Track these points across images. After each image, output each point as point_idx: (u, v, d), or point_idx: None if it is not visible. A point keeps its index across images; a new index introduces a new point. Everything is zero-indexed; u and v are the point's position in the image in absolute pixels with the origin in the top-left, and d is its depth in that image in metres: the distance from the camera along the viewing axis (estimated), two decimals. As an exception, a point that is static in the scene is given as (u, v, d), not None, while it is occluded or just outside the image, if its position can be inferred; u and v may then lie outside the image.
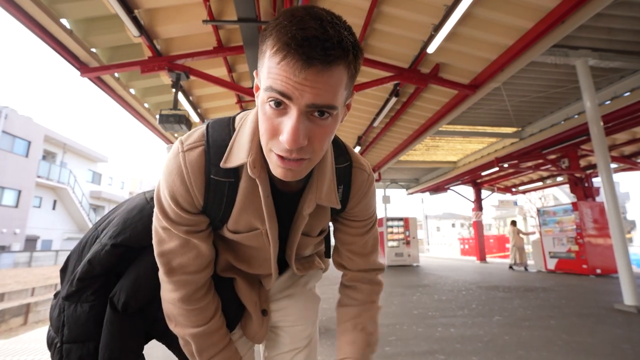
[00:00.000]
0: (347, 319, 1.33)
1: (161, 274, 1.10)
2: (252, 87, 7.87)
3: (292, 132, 0.78)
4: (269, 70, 0.78)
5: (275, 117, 0.82)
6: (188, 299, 1.11)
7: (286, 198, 1.14)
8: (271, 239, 1.14)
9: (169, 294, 1.11)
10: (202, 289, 1.15)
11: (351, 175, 1.20)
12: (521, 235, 14.69)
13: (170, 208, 1.02)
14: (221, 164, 1.00)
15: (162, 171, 1.03)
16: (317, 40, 0.73)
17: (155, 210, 1.06)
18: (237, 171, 1.04)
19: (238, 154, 1.00)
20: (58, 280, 13.33)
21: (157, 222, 1.07)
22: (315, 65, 0.74)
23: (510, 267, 14.42)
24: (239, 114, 1.14)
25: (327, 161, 1.11)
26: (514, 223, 15.12)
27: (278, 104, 0.80)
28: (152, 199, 1.21)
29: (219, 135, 1.04)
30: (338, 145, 1.21)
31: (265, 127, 0.84)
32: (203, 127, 1.07)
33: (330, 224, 1.38)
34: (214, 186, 1.03)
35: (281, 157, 0.85)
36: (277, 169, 0.89)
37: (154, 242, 1.09)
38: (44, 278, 16.56)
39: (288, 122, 0.79)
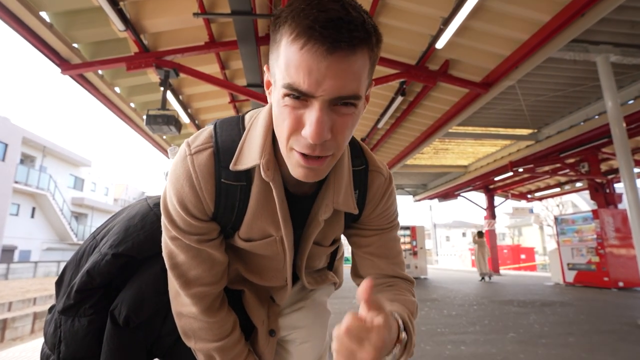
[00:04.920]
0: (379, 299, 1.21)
1: (176, 288, 1.09)
2: (254, 86, 7.93)
3: (316, 125, 0.76)
4: (288, 61, 0.76)
5: (297, 109, 0.80)
6: (208, 310, 1.11)
7: (299, 202, 1.12)
8: (287, 245, 1.13)
9: (187, 309, 1.11)
10: (219, 298, 1.17)
11: (367, 179, 1.17)
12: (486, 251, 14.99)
13: (179, 216, 1.01)
14: (231, 166, 0.99)
15: (169, 176, 1.02)
16: (342, 22, 0.71)
17: (163, 220, 1.05)
18: (249, 173, 1.03)
19: (249, 155, 0.99)
20: (37, 294, 13.34)
21: (166, 232, 1.07)
22: (341, 49, 0.72)
23: (482, 278, 14.67)
24: (248, 112, 1.13)
25: (344, 162, 1.09)
26: (480, 234, 15.33)
27: (297, 96, 0.77)
28: (155, 205, 1.24)
29: (229, 136, 1.04)
30: (354, 146, 1.19)
31: (287, 122, 0.82)
32: (210, 127, 1.07)
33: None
34: (225, 190, 1.02)
35: (304, 156, 0.83)
36: (298, 169, 0.87)
37: (164, 254, 1.09)
38: (22, 291, 16.52)
39: (311, 115, 0.77)
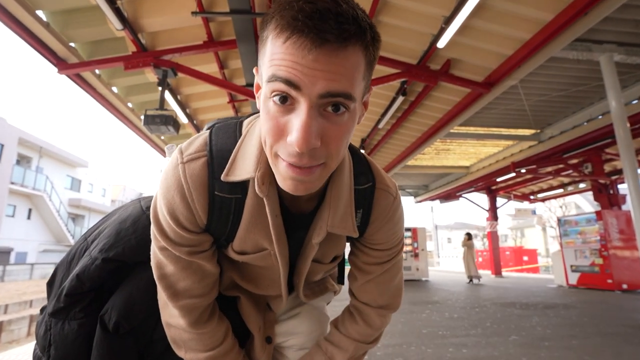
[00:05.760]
0: (327, 338, 1.31)
1: (164, 299, 1.07)
2: (253, 86, 7.89)
3: (303, 130, 0.70)
4: (272, 56, 0.72)
5: (281, 116, 0.75)
6: (197, 322, 1.09)
7: (297, 220, 1.09)
8: (280, 262, 1.10)
9: (175, 320, 1.09)
10: (208, 309, 1.14)
11: (373, 198, 1.12)
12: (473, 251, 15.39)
13: (169, 227, 0.98)
14: (222, 177, 0.94)
15: (160, 185, 0.99)
16: (330, 13, 0.68)
17: (153, 229, 1.02)
18: (244, 185, 0.98)
19: (243, 166, 0.94)
20: (34, 297, 13.32)
21: (155, 242, 1.03)
22: (328, 42, 0.68)
23: (470, 280, 14.90)
24: (248, 116, 1.09)
25: (344, 179, 1.04)
26: (469, 236, 15.52)
27: (284, 99, 0.73)
28: (147, 208, 1.20)
29: (224, 144, 0.99)
30: (360, 162, 1.13)
31: (269, 127, 0.77)
32: (206, 133, 1.03)
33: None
34: (219, 203, 0.98)
35: (290, 165, 0.77)
36: (285, 181, 0.81)
37: (152, 264, 1.06)
38: (18, 294, 16.51)
39: (297, 119, 0.72)
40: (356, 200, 1.08)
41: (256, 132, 0.97)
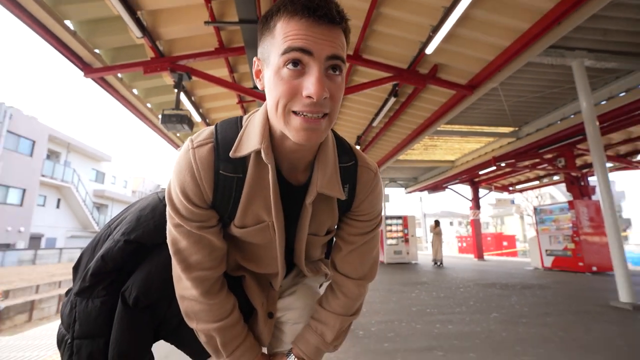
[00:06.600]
0: (315, 317, 1.35)
1: (179, 272, 1.11)
2: (259, 88, 7.87)
3: (317, 83, 0.84)
4: (286, 34, 0.86)
5: (294, 79, 0.87)
6: (208, 293, 1.13)
7: (292, 191, 1.14)
8: (277, 229, 1.13)
9: (188, 292, 1.13)
10: (218, 281, 1.18)
11: (357, 174, 1.20)
12: (441, 237, 15.51)
13: (181, 204, 1.04)
14: (231, 154, 1.02)
15: (173, 169, 1.05)
16: (322, 9, 0.85)
17: (168, 209, 1.08)
18: (244, 166, 1.05)
19: (248, 143, 1.03)
20: (62, 278, 13.32)
21: (170, 220, 1.09)
22: (327, 21, 0.86)
23: (435, 263, 15.01)
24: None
25: (329, 150, 1.13)
26: (437, 223, 15.62)
27: (296, 63, 0.86)
28: (164, 198, 1.24)
29: (228, 133, 1.07)
30: (342, 143, 1.22)
31: (284, 89, 0.88)
32: (212, 127, 1.10)
33: None
34: (223, 182, 1.04)
35: (304, 117, 0.89)
36: (299, 133, 0.91)
37: (168, 241, 1.11)
38: (48, 275, 16.55)
39: (310, 78, 0.86)
40: (343, 177, 1.16)
41: (256, 118, 1.07)
